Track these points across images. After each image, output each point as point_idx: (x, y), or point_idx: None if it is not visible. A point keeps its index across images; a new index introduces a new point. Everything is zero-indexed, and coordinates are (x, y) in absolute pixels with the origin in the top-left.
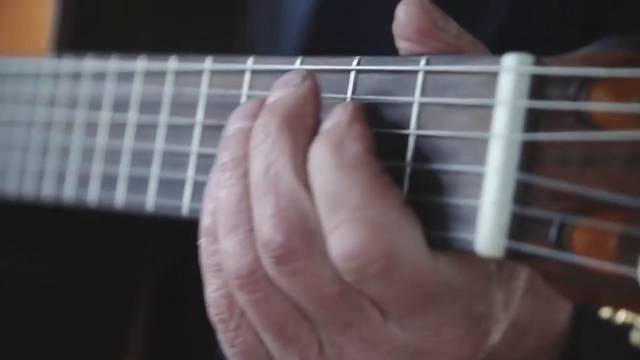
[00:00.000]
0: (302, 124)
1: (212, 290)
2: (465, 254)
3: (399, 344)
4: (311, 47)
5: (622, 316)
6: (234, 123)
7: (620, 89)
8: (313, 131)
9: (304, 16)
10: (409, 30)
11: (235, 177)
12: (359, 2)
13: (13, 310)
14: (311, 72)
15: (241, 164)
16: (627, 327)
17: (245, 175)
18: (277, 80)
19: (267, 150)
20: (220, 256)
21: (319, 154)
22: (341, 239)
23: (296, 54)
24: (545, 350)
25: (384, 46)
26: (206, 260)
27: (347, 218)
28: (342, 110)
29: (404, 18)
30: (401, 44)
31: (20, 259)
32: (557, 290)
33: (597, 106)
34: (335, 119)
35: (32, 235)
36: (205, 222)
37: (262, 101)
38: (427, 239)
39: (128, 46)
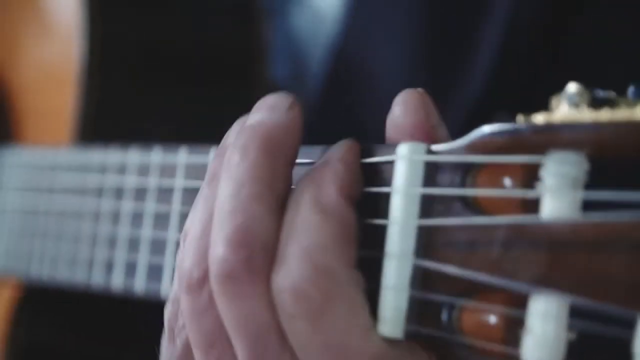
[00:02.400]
0: (283, 153)
1: (172, 291)
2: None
3: None
4: (332, 90)
5: None
6: (234, 133)
7: (497, 174)
8: (291, 164)
9: (324, 59)
10: (403, 122)
11: (212, 190)
12: (376, 43)
13: None
14: (298, 102)
15: (213, 186)
16: None
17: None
18: (258, 102)
19: (241, 171)
20: (179, 255)
21: (301, 187)
22: (289, 270)
23: (319, 95)
24: None
25: (396, 83)
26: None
27: (300, 253)
28: (337, 147)
29: (399, 111)
30: (390, 132)
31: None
32: None
33: (477, 192)
34: (324, 158)
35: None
36: (186, 223)
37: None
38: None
39: (148, 126)
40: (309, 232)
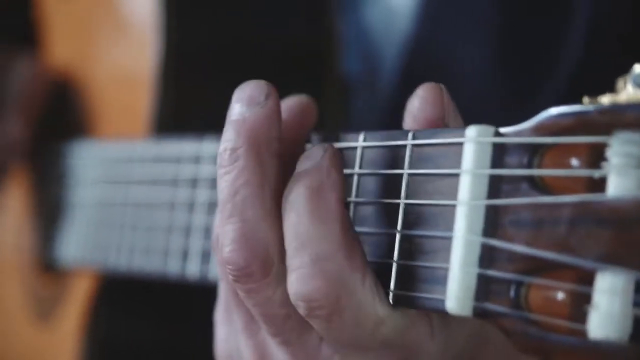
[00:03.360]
0: (269, 149)
1: None
2: (411, 312)
3: None
4: (407, 87)
5: None
6: (225, 128)
7: (564, 155)
8: (277, 155)
9: (398, 55)
10: (419, 115)
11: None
12: (453, 40)
13: None
14: (273, 88)
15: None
16: None
17: None
18: (238, 91)
19: (234, 175)
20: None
21: (296, 194)
22: (298, 280)
23: (393, 90)
24: None
25: (473, 82)
26: None
27: (308, 263)
28: (321, 153)
29: (418, 103)
30: (407, 120)
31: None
32: (516, 345)
33: (544, 172)
34: (315, 161)
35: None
36: None
37: None
38: (404, 299)
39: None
40: (314, 242)
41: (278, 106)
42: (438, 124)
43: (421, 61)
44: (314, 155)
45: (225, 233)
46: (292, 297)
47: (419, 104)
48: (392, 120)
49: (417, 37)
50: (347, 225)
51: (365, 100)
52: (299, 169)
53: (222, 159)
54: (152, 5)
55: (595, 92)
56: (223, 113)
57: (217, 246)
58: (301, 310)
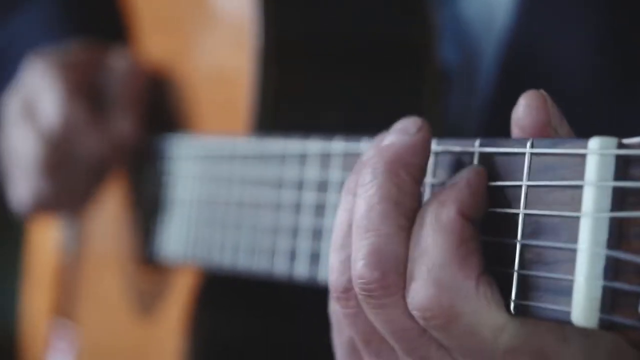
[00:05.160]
0: (409, 172)
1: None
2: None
3: None
4: (507, 82)
5: None
6: (369, 152)
7: None
8: (418, 182)
9: (497, 50)
10: (524, 123)
11: (351, 202)
12: (555, 35)
13: None
14: (426, 124)
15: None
16: None
17: None
18: (393, 126)
19: (372, 192)
20: (329, 265)
21: (426, 207)
22: (415, 290)
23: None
24: None
25: (576, 79)
26: None
27: (423, 273)
28: (463, 172)
29: (523, 111)
30: (515, 130)
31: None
32: None
33: None
34: (453, 180)
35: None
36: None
37: None
38: (524, 309)
39: (323, 116)
40: (431, 251)
41: (427, 139)
42: (545, 130)
43: (520, 56)
44: (457, 175)
45: (359, 249)
46: (410, 307)
47: (523, 112)
48: (490, 117)
49: (516, 32)
50: (465, 236)
51: (463, 94)
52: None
53: (363, 179)
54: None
55: None
56: (322, 104)
57: (332, 264)
58: (420, 322)
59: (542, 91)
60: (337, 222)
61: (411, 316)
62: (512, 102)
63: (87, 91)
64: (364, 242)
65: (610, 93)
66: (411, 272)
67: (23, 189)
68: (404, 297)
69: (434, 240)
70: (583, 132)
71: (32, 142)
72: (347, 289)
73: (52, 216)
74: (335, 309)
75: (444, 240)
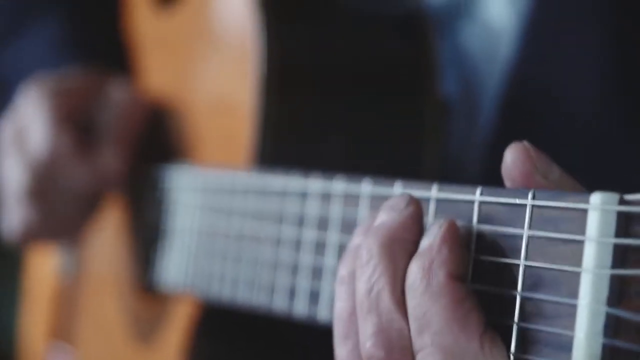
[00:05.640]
0: (402, 248)
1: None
2: None
3: None
4: (509, 114)
5: None
6: (355, 239)
7: None
8: (412, 254)
9: (500, 80)
10: (513, 175)
11: (348, 291)
12: (561, 65)
13: None
14: (415, 199)
15: (353, 280)
16: None
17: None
18: (384, 203)
19: (369, 272)
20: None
21: (412, 276)
22: None
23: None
24: None
25: (583, 115)
26: None
27: (429, 342)
28: (436, 230)
29: (509, 162)
30: (507, 183)
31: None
32: None
33: None
34: (429, 241)
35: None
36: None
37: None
38: None
39: (324, 144)
40: (430, 320)
41: (418, 212)
42: (532, 179)
43: (524, 89)
44: (429, 234)
45: (365, 329)
46: None
47: (509, 164)
48: (492, 150)
49: (520, 64)
50: (459, 296)
51: (464, 125)
52: (418, 249)
53: (360, 260)
54: (250, 28)
55: None
56: (325, 137)
57: (337, 341)
58: None
59: (525, 142)
60: (337, 314)
61: None
62: (514, 135)
63: (79, 119)
64: (368, 323)
65: (616, 127)
66: (416, 344)
67: (13, 217)
68: None
69: (429, 307)
70: (588, 168)
71: (21, 170)
72: None
73: (44, 245)
74: None
75: (440, 306)
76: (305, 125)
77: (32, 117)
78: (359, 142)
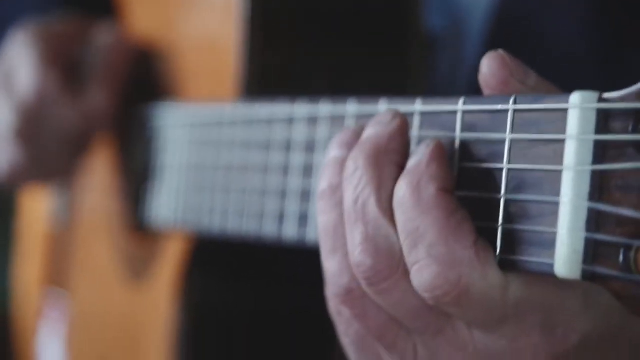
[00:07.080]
0: (388, 159)
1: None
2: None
3: (482, 347)
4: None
5: None
6: (331, 151)
7: None
8: (399, 165)
9: (484, 15)
10: (490, 83)
11: (331, 204)
12: (545, 2)
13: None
14: (400, 113)
15: (336, 192)
16: None
17: (340, 203)
18: (372, 119)
19: (355, 183)
20: (326, 274)
21: (401, 192)
22: (418, 274)
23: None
24: None
25: (563, 45)
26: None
27: (423, 255)
28: (423, 149)
29: (486, 71)
30: (485, 92)
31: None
32: (629, 307)
33: None
34: (417, 159)
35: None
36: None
37: (357, 132)
38: (510, 263)
39: (309, 83)
40: (423, 232)
41: (403, 125)
42: (510, 84)
43: (508, 22)
44: (417, 153)
45: (353, 239)
46: (419, 291)
47: (486, 73)
48: (477, 84)
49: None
50: (451, 208)
51: (449, 59)
52: (405, 168)
53: (346, 172)
54: None
55: None
56: (310, 73)
57: (328, 262)
58: (431, 302)
59: (500, 51)
60: (321, 229)
61: (416, 295)
62: None
63: (65, 62)
64: (356, 232)
65: (597, 58)
66: (409, 258)
67: (1, 158)
68: (403, 278)
69: (421, 221)
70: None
71: (8, 111)
72: (350, 290)
73: (31, 186)
74: (343, 312)
75: (433, 218)
76: (290, 62)
77: (19, 60)
78: (344, 77)
